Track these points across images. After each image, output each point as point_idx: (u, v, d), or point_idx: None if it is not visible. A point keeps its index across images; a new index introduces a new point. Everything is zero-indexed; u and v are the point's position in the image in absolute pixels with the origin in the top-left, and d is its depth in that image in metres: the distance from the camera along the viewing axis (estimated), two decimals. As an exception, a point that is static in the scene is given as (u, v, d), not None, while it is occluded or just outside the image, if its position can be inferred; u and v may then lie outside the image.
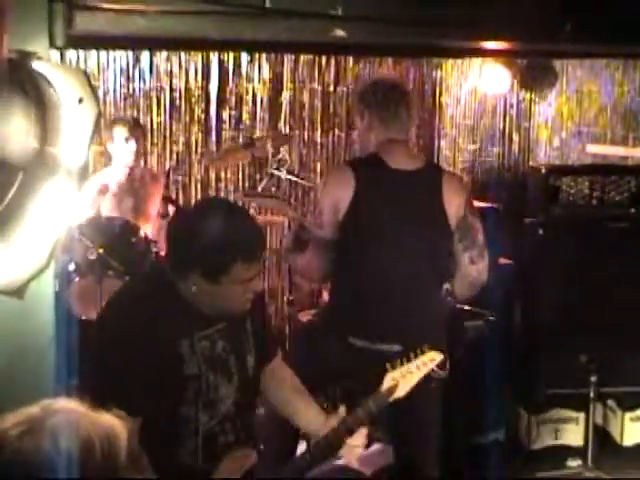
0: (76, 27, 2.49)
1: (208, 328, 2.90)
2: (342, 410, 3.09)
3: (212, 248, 2.74)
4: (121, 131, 5.69)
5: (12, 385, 2.26)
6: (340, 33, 3.16)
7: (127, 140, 5.69)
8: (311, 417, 3.16)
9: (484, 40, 4.40)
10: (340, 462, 4.30)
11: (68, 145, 1.94)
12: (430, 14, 3.41)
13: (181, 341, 2.82)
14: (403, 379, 3.04)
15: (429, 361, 3.10)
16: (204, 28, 2.98)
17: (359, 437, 3.08)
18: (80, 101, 1.97)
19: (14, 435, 1.59)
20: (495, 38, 4.28)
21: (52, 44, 2.15)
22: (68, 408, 1.68)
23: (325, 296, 6.08)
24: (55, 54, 2.46)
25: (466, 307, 5.15)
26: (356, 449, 3.11)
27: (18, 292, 1.99)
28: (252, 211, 5.78)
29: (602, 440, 5.51)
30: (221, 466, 2.88)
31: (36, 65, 1.98)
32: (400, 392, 3.05)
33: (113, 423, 1.68)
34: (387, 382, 3.04)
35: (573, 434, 5.50)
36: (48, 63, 2.02)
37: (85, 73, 2.00)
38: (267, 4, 2.86)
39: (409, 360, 3.08)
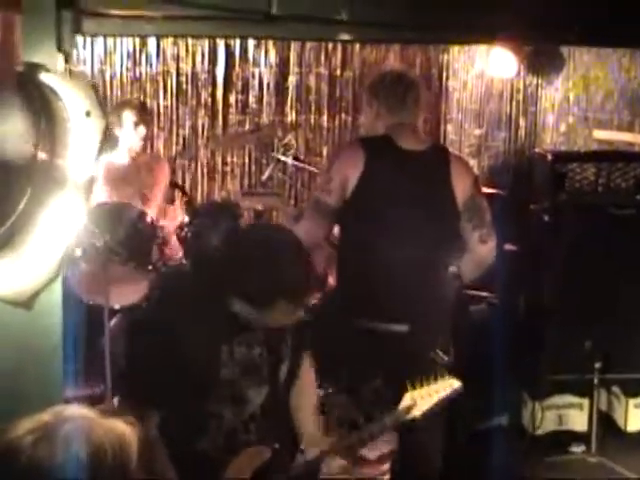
0: (84, 33, 2.51)
1: (247, 333, 2.94)
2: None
3: (257, 283, 2.79)
4: (130, 116, 5.64)
5: (21, 391, 2.29)
6: (345, 37, 3.17)
7: (136, 125, 5.65)
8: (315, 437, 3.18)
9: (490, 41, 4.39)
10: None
11: (75, 158, 1.97)
12: (435, 19, 3.40)
13: (221, 347, 2.89)
14: (421, 400, 3.08)
15: (448, 386, 3.14)
16: (210, 33, 2.99)
17: (374, 451, 3.10)
18: (87, 114, 1.99)
19: (28, 442, 1.61)
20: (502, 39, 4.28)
21: (60, 50, 2.17)
22: (80, 415, 1.70)
23: (331, 281, 6.08)
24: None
25: (471, 292, 5.16)
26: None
27: (28, 302, 2.02)
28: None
29: (606, 426, 5.53)
30: (233, 462, 2.92)
31: (44, 77, 2.00)
32: (416, 412, 3.08)
33: (125, 430, 1.70)
34: (406, 401, 3.08)
35: (577, 420, 5.53)
36: (56, 75, 2.04)
37: (93, 86, 2.02)
38: (273, 10, 2.87)
39: (429, 383, 3.11)
